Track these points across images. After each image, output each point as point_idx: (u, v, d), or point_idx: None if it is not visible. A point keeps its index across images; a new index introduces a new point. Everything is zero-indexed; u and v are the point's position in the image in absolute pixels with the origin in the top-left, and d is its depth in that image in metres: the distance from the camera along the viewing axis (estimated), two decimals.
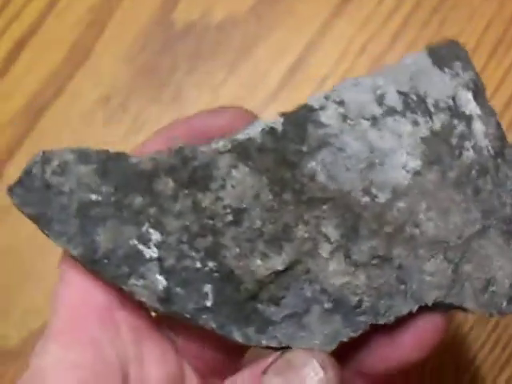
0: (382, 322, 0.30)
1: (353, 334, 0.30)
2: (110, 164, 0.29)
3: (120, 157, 0.29)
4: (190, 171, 0.29)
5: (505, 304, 0.31)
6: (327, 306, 0.30)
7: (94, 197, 0.29)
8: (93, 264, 0.29)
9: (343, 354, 0.32)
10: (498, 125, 0.32)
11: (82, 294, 0.30)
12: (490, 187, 0.31)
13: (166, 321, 0.32)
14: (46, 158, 0.29)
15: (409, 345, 0.31)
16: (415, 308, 0.30)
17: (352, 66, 0.51)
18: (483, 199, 0.31)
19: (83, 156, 0.29)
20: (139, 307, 0.30)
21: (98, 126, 0.50)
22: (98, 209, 0.29)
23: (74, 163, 0.29)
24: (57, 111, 0.50)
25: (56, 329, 0.29)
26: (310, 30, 0.51)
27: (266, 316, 0.30)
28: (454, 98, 0.31)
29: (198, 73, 0.51)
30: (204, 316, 0.29)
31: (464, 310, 0.31)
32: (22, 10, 0.51)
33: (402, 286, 0.30)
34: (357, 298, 0.30)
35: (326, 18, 0.51)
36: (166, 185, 0.29)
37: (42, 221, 0.29)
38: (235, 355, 0.33)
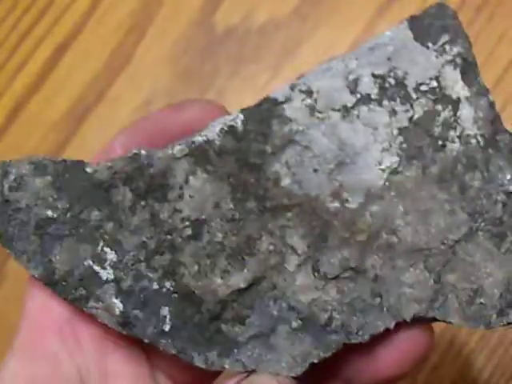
0: (355, 341, 0.28)
1: (323, 355, 0.28)
2: (66, 175, 0.28)
3: (76, 166, 0.28)
4: (146, 180, 0.28)
5: (494, 317, 0.28)
6: (295, 324, 0.28)
7: (50, 213, 0.28)
8: (52, 286, 0.28)
9: (324, 369, 0.30)
10: (491, 105, 0.28)
11: (42, 307, 0.29)
12: (478, 184, 0.28)
13: None
14: (3, 171, 0.28)
15: (389, 361, 0.29)
16: (392, 324, 0.28)
17: None
18: (470, 198, 0.28)
19: (39, 167, 0.28)
20: None
21: None
22: (54, 226, 0.28)
23: (30, 176, 0.28)
24: (99, 116, 0.50)
25: (17, 343, 0.29)
26: (355, 29, 0.50)
27: (231, 337, 0.28)
28: (438, 79, 0.28)
29: (240, 77, 0.50)
30: (163, 341, 0.28)
31: (449, 322, 0.29)
32: (63, 14, 0.51)
33: (378, 300, 0.28)
34: (327, 315, 0.28)
35: (371, 16, 0.50)
36: (124, 195, 0.28)
37: (3, 238, 0.28)
38: None
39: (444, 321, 0.28)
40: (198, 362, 0.28)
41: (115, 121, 0.50)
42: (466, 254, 0.28)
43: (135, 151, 0.28)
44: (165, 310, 0.28)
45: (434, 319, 0.29)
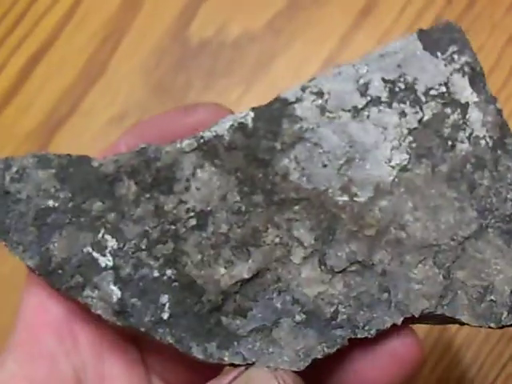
0: (361, 335, 0.28)
1: (328, 351, 0.28)
2: (70, 168, 0.28)
3: (82, 160, 0.28)
4: (153, 173, 0.28)
5: (505, 315, 0.28)
6: (299, 318, 0.28)
7: (51, 203, 0.28)
8: (47, 275, 0.28)
9: (321, 370, 0.30)
10: (499, 112, 0.29)
11: (40, 306, 0.29)
12: (487, 182, 0.28)
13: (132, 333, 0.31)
14: (6, 164, 0.28)
15: (373, 379, 0.29)
16: (400, 320, 0.28)
17: None
18: (480, 196, 0.28)
19: (43, 161, 0.28)
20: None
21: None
22: (54, 215, 0.28)
23: (33, 168, 0.28)
24: (72, 128, 0.50)
25: (14, 342, 0.29)
26: (330, 43, 0.50)
27: (231, 330, 0.28)
28: (447, 85, 0.29)
29: (214, 90, 0.50)
30: (160, 329, 0.28)
31: (458, 322, 0.29)
32: (37, 25, 0.51)
33: (385, 295, 0.28)
34: (332, 309, 0.28)
35: (346, 30, 0.50)
36: (129, 189, 0.28)
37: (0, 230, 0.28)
38: (209, 367, 0.31)
39: (453, 318, 0.28)
40: (197, 353, 0.28)
41: (89, 132, 0.50)
42: (475, 250, 0.28)
43: (143, 145, 0.28)
44: (164, 298, 0.28)
45: (443, 317, 0.28)
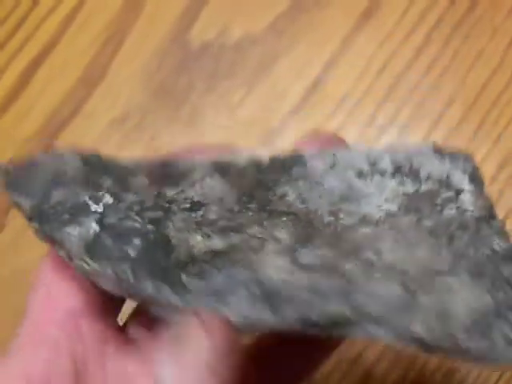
0: (313, 318, 0.29)
1: (276, 326, 0.29)
2: (96, 158, 0.30)
3: (108, 158, 0.31)
4: (166, 175, 0.30)
5: (463, 337, 0.28)
6: (257, 292, 0.29)
7: (68, 170, 0.30)
8: (39, 214, 0.29)
9: None
10: (491, 206, 0.32)
11: (47, 303, 0.30)
12: (467, 240, 0.30)
13: (133, 331, 0.31)
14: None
15: None
16: (354, 316, 0.29)
17: (373, 82, 0.50)
18: (457, 247, 0.30)
19: (76, 151, 0.30)
20: (106, 316, 0.30)
21: (113, 147, 0.50)
22: (65, 179, 0.29)
23: (66, 152, 0.30)
24: (73, 131, 0.50)
25: (20, 337, 0.29)
26: (331, 45, 0.50)
27: (188, 287, 0.29)
28: (447, 176, 0.32)
29: (215, 93, 0.50)
30: (124, 265, 0.29)
31: (414, 338, 0.29)
32: (38, 28, 0.51)
33: (346, 295, 0.29)
34: (291, 293, 0.29)
35: (348, 32, 0.51)
36: (140, 182, 0.30)
37: (9, 184, 0.29)
38: None
39: (409, 330, 0.29)
40: (150, 290, 0.29)
41: (90, 134, 0.50)
42: (444, 283, 0.29)
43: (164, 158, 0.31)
44: (136, 241, 0.29)
45: (399, 331, 0.29)
